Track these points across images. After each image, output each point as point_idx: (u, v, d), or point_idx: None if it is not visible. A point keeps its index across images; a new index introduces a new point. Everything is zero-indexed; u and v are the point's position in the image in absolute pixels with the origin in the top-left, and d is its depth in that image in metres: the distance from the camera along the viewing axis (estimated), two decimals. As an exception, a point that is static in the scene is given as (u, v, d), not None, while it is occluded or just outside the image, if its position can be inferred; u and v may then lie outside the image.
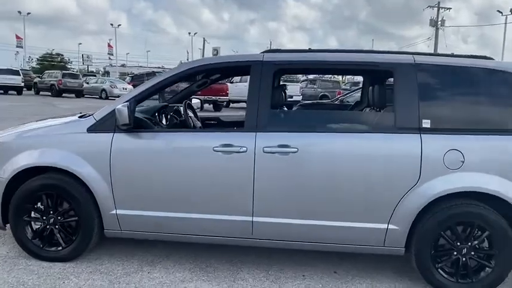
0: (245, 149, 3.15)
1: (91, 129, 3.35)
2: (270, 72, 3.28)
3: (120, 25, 74.01)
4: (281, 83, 6.21)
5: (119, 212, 3.31)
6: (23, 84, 27.09)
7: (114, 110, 3.24)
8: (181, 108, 4.04)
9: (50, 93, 28.18)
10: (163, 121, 4.11)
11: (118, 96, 23.40)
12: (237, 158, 3.15)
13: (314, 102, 14.64)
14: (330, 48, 4.49)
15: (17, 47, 53.43)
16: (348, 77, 36.74)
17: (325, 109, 9.50)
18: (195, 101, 5.21)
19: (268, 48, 3.71)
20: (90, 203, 3.30)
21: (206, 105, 19.29)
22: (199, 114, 5.11)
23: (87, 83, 30.26)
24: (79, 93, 28.49)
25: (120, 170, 3.28)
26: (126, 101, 3.27)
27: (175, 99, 4.79)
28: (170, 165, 3.24)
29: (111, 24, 60.47)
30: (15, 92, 26.74)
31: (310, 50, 3.55)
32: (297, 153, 3.11)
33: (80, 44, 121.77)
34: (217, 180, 3.18)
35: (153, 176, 3.26)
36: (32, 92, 31.09)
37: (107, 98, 26.85)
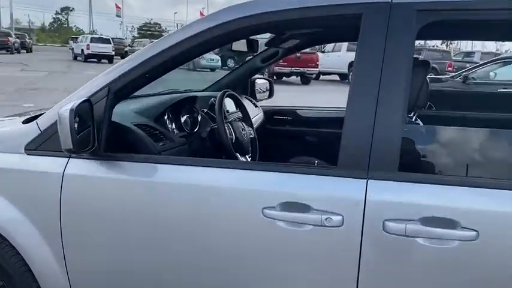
0: (339, 219, 1.30)
1: (31, 148, 1.69)
2: (408, 30, 1.34)
3: (213, -7, 73.68)
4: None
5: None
6: (113, 52, 27.21)
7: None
8: (215, 104, 2.17)
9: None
10: (185, 127, 2.32)
11: (205, 68, 22.36)
12: (319, 237, 1.39)
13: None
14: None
15: (116, 16, 55.34)
16: (457, 46, 32.18)
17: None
18: (261, 82, 3.37)
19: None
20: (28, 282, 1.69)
21: (293, 78, 17.43)
22: (265, 103, 3.27)
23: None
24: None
25: (80, 233, 1.61)
26: (84, 98, 1.54)
27: (225, 83, 3.00)
28: (169, 238, 1.51)
29: (204, -7, 60.01)
30: (107, 61, 26.97)
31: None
32: (475, 241, 1.18)
33: (176, 13, 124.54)
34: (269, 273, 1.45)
35: (134, 257, 1.55)
36: (124, 60, 31.50)
37: (194, 69, 26.08)
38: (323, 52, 18.72)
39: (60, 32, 77.68)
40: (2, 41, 29.11)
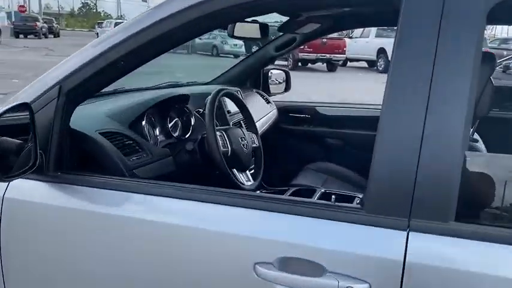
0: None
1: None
2: (475, 10, 0.89)
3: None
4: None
5: None
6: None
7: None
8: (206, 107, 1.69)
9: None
10: (173, 133, 1.87)
11: (228, 54, 21.89)
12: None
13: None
14: None
15: (142, 1, 55.32)
16: (492, 32, 30.67)
17: None
18: (275, 73, 2.93)
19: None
20: None
21: (319, 64, 16.83)
22: (280, 98, 2.83)
23: (200, 39, 29.34)
24: (192, 49, 27.75)
25: (20, 270, 1.25)
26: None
27: (233, 75, 2.56)
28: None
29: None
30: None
31: None
32: None
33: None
34: None
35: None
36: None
37: (217, 55, 25.68)
38: (350, 38, 17.96)
39: (88, 17, 78.31)
40: (30, 26, 29.28)
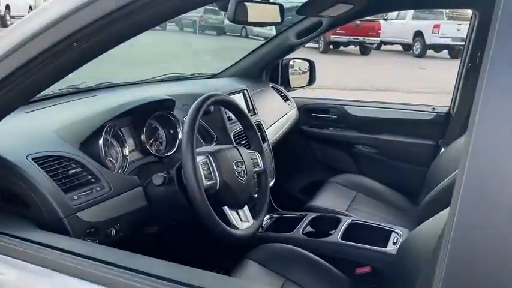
0: None
1: None
2: None
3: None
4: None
5: None
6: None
7: None
8: (186, 121, 1.22)
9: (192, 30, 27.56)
10: (150, 148, 1.42)
11: (258, 36, 21.35)
12: None
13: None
14: None
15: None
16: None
17: None
18: (298, 63, 2.48)
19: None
20: None
21: (351, 47, 16.12)
22: (299, 96, 2.38)
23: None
24: (220, 30, 27.26)
25: None
26: None
27: (245, 67, 2.13)
28: None
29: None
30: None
31: None
32: None
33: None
34: None
35: None
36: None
37: (246, 36, 25.13)
38: (385, 20, 17.06)
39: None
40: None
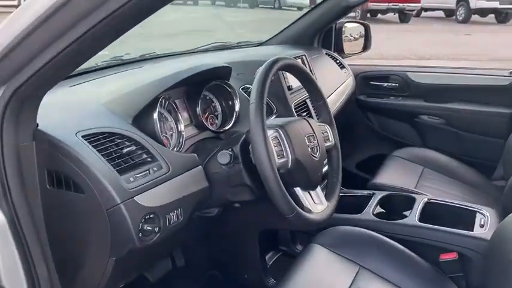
0: None
1: None
2: None
3: None
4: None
5: None
6: None
7: None
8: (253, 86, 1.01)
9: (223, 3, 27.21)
10: (206, 123, 1.25)
11: (291, 7, 20.76)
12: None
13: None
14: None
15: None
16: None
17: None
18: (351, 27, 2.29)
19: None
20: None
21: (390, 15, 15.45)
22: (355, 64, 2.19)
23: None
24: (253, 2, 26.74)
25: None
26: None
27: (296, 33, 1.95)
28: None
29: None
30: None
31: None
32: None
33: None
34: None
35: None
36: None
37: (279, 7, 24.52)
38: (427, -16, 16.20)
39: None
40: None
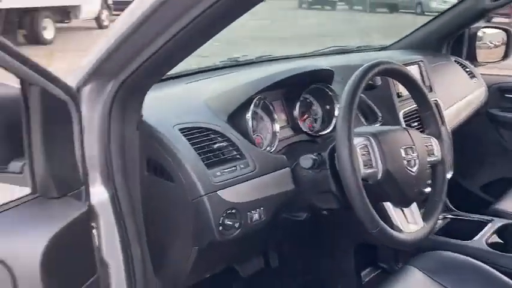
0: None
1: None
2: None
3: None
4: None
5: None
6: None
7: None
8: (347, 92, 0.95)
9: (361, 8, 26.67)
10: (302, 126, 1.22)
11: (433, 13, 19.48)
12: None
13: None
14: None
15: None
16: None
17: None
18: (489, 34, 2.07)
19: None
20: None
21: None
22: (490, 74, 1.97)
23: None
24: (393, 7, 25.72)
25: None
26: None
27: (421, 37, 1.83)
28: None
29: None
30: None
31: None
32: None
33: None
34: None
35: None
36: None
37: (422, 13, 23.12)
38: None
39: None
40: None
